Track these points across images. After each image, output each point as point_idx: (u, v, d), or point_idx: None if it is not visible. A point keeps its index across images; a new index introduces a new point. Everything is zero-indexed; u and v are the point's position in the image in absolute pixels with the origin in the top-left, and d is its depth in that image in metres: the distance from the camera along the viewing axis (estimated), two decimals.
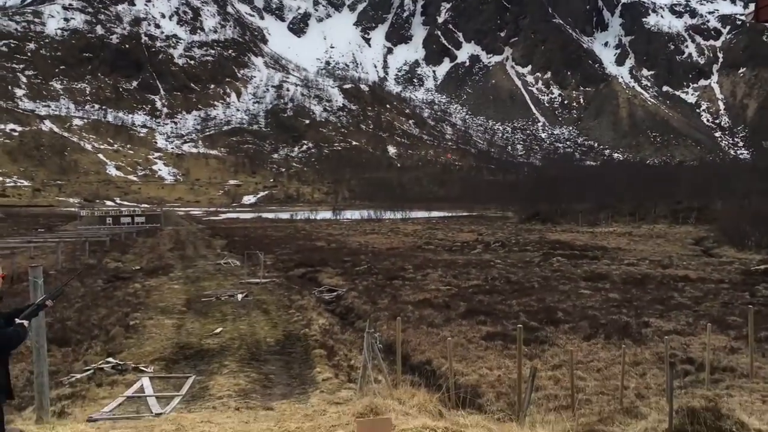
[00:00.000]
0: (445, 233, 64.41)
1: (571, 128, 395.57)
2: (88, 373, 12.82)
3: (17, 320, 5.11)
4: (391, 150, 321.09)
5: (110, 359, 13.76)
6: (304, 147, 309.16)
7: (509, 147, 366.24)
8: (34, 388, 9.00)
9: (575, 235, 62.00)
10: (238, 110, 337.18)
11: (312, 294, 24.66)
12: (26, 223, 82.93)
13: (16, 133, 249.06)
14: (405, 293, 24.37)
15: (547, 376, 13.40)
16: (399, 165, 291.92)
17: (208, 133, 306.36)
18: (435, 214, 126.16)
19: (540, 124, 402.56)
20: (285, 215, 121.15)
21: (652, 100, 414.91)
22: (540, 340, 16.48)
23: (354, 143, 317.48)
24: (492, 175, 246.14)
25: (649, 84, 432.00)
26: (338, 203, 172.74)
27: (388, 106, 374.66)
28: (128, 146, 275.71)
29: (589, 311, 20.44)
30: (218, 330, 17.31)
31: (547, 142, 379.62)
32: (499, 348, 15.75)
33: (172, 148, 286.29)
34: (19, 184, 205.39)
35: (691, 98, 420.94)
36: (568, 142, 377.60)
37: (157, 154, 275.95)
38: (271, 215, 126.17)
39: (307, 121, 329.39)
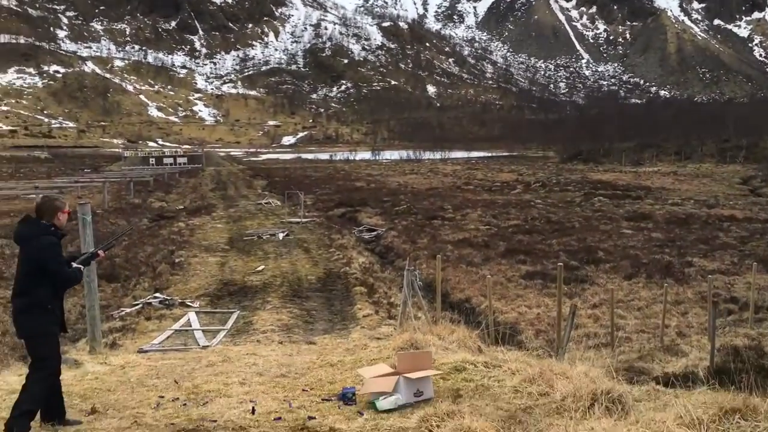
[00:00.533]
0: (484, 173, 63.89)
1: (616, 65, 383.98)
2: (137, 307, 13.26)
3: (74, 264, 5.53)
4: (431, 89, 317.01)
5: (158, 294, 14.19)
6: (343, 87, 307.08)
7: (551, 85, 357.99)
8: (87, 321, 9.36)
9: (618, 174, 60.93)
10: (276, 50, 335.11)
11: (352, 233, 24.83)
12: (72, 163, 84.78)
13: (60, 75, 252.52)
14: (444, 233, 24.40)
15: (587, 315, 13.41)
16: (438, 105, 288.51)
17: (247, 74, 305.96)
18: (475, 154, 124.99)
19: (584, 61, 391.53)
20: (324, 156, 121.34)
21: (702, 34, 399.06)
22: (580, 279, 16.43)
23: (393, 83, 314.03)
24: (533, 115, 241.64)
25: (699, 17, 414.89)
26: (377, 144, 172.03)
27: (427, 44, 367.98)
28: (168, 87, 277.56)
29: (630, 251, 20.24)
30: (261, 268, 17.65)
31: (591, 79, 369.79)
32: (538, 287, 15.75)
33: (212, 88, 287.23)
34: (64, 125, 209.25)
35: (743, 32, 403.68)
36: (612, 80, 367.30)
37: (197, 95, 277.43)
38: (310, 156, 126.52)
39: (346, 61, 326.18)
